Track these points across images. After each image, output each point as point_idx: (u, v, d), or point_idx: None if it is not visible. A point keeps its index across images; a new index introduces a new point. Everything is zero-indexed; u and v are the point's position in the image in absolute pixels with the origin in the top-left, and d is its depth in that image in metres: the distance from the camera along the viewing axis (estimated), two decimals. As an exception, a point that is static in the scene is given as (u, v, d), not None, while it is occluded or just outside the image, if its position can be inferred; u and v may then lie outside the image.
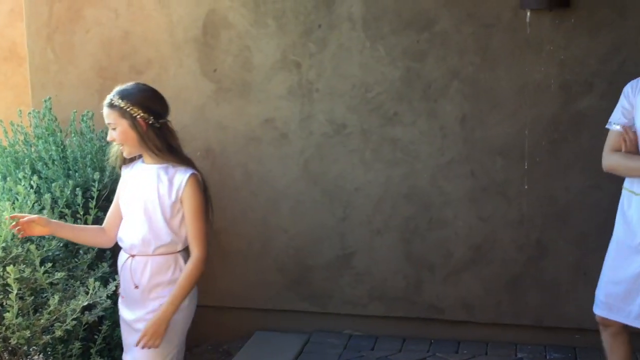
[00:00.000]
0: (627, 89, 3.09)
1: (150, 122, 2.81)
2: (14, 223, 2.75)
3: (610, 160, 3.06)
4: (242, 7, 4.28)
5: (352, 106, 4.22)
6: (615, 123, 3.06)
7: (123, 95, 2.83)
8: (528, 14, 3.93)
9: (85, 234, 3.06)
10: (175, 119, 4.43)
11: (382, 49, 4.15)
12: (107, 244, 3.02)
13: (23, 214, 2.86)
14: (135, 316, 2.87)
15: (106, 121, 2.85)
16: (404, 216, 4.24)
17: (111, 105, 2.83)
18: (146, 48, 4.44)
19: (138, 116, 2.79)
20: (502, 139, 4.06)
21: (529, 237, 4.09)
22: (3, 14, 6.40)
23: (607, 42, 3.85)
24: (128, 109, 2.79)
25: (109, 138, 2.88)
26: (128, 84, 2.93)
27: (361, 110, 4.21)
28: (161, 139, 2.84)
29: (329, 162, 4.29)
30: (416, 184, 4.21)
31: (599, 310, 3.12)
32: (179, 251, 2.90)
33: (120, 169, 3.00)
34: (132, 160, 2.95)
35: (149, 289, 2.85)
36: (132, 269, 2.85)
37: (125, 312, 2.93)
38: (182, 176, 2.84)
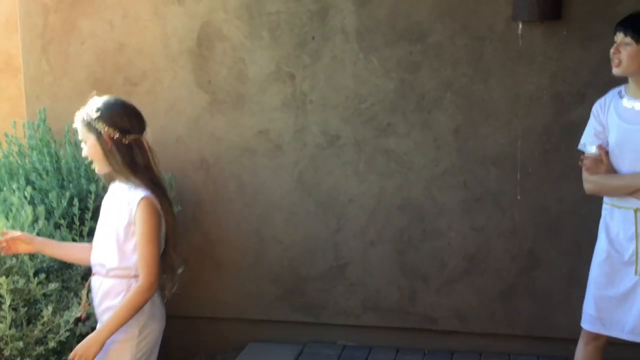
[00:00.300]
0: (596, 108, 3.08)
1: (115, 137, 2.63)
2: None
3: (592, 184, 3.04)
4: (236, 19, 4.29)
5: (346, 117, 4.22)
6: (589, 145, 3.04)
7: (92, 109, 2.68)
8: (520, 26, 3.94)
9: (73, 252, 2.94)
10: (170, 130, 4.47)
11: (376, 61, 4.16)
12: None
13: (6, 231, 2.78)
14: None
15: (79, 136, 2.74)
16: (397, 227, 4.24)
17: (81, 120, 2.69)
18: (141, 60, 4.43)
19: (103, 131, 2.62)
20: (495, 149, 4.07)
21: (521, 247, 4.09)
22: (-2, 26, 6.40)
23: (598, 53, 3.87)
24: (94, 124, 2.64)
25: (82, 154, 2.75)
26: (102, 98, 2.77)
27: (355, 122, 4.22)
28: (125, 155, 2.64)
29: (323, 173, 4.29)
30: (410, 195, 4.21)
31: (589, 325, 3.09)
32: (133, 276, 2.66)
33: (108, 184, 2.83)
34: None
35: (101, 312, 2.72)
36: (92, 288, 2.75)
37: None
38: (135, 198, 2.63)
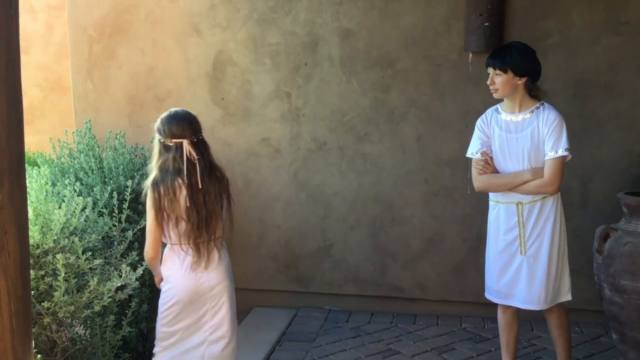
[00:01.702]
0: (480, 123, 3.04)
1: (162, 141, 2.66)
2: None
3: (481, 182, 3.00)
4: (244, 48, 4.32)
5: (332, 127, 4.26)
6: (476, 152, 3.01)
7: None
8: (470, 55, 3.99)
9: None
10: (190, 137, 4.47)
11: (356, 83, 4.19)
12: None
13: None
14: None
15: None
16: (372, 215, 4.28)
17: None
18: (167, 80, 4.46)
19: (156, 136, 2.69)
20: (449, 153, 4.11)
21: (470, 231, 4.14)
22: (51, 54, 6.42)
23: (531, 78, 3.92)
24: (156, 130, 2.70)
25: None
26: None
27: (338, 131, 4.25)
28: (158, 155, 2.68)
29: (313, 172, 4.33)
30: (382, 190, 4.25)
31: (493, 298, 3.05)
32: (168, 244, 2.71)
33: None
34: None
35: None
36: None
37: None
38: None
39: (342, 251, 4.34)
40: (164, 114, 2.73)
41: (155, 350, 2.74)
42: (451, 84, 4.06)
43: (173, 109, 2.77)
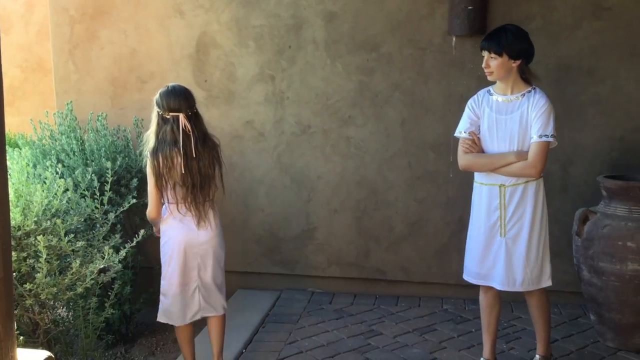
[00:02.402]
0: (471, 103, 3.04)
1: (160, 113, 2.94)
2: None
3: (466, 160, 2.99)
4: (227, 30, 4.28)
5: (316, 111, 4.25)
6: (465, 131, 3.01)
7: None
8: (454, 39, 3.99)
9: None
10: (174, 119, 4.44)
11: (340, 66, 4.18)
12: None
13: None
14: None
15: None
16: (355, 199, 4.29)
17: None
18: (150, 63, 4.41)
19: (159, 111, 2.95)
20: (433, 137, 4.12)
21: (453, 215, 4.17)
22: (32, 34, 6.32)
23: (514, 62, 3.94)
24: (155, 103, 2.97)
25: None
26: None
27: (323, 114, 4.25)
28: (156, 127, 2.95)
29: (297, 155, 4.32)
30: (366, 173, 4.26)
31: (473, 279, 3.07)
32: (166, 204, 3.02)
33: None
34: None
35: None
36: None
37: None
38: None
39: (325, 234, 4.35)
40: (163, 89, 2.99)
41: (160, 303, 3.07)
42: (435, 68, 4.07)
43: (170, 84, 3.03)
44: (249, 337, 3.65)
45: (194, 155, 2.89)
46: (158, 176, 2.90)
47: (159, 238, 3.50)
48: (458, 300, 4.18)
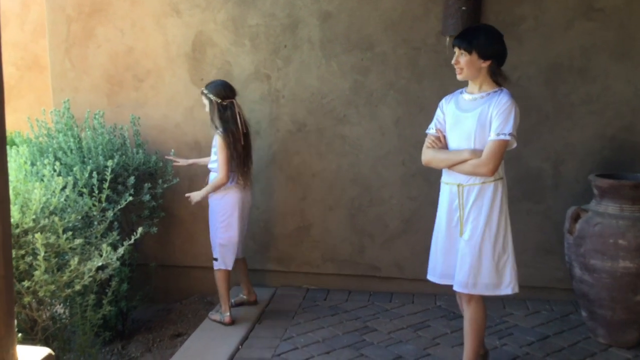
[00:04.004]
0: (442, 102, 3.03)
1: (218, 101, 3.64)
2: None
3: (427, 155, 2.97)
4: (224, 29, 4.27)
5: (311, 109, 4.25)
6: (432, 129, 3.00)
7: (207, 86, 3.72)
8: (447, 39, 3.98)
9: (205, 160, 3.98)
10: (170, 117, 4.46)
11: (335, 65, 4.18)
12: None
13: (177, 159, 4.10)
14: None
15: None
16: (350, 196, 4.30)
17: (202, 93, 3.73)
18: (146, 61, 4.40)
19: (212, 97, 3.67)
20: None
21: (446, 213, 4.17)
22: (27, 32, 6.27)
23: (507, 62, 3.89)
24: (205, 93, 3.70)
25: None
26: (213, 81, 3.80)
27: (318, 113, 4.25)
28: (220, 111, 3.67)
29: (292, 153, 4.32)
30: (360, 171, 4.26)
31: (436, 279, 3.01)
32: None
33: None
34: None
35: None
36: (210, 179, 3.81)
37: None
38: (216, 134, 3.67)
39: (320, 231, 4.35)
40: (216, 83, 3.73)
41: (215, 255, 3.76)
42: (429, 68, 4.07)
43: (218, 80, 3.81)
44: (245, 334, 3.65)
45: (243, 132, 3.68)
46: (230, 149, 3.61)
47: (155, 236, 3.96)
48: (451, 297, 4.10)
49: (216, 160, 3.68)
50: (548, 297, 4.11)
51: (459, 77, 2.89)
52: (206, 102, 3.69)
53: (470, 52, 2.81)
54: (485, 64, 2.82)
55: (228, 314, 3.76)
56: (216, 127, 3.64)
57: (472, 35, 2.83)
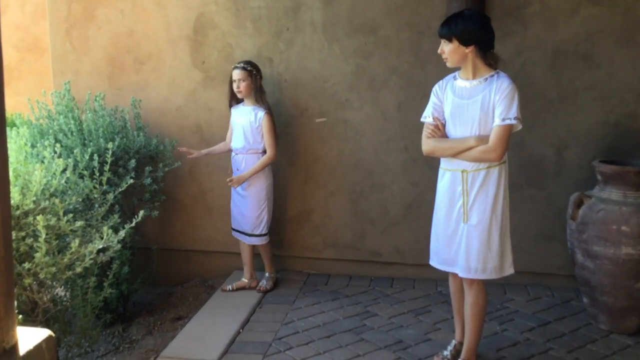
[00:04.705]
0: (436, 88, 2.99)
1: (261, 82, 3.92)
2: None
3: (429, 145, 2.93)
4: (225, 11, 4.22)
5: (313, 94, 4.22)
6: (429, 116, 2.96)
7: (249, 63, 3.86)
8: (452, 23, 3.95)
9: (220, 148, 4.14)
10: (171, 101, 4.42)
11: (337, 49, 4.14)
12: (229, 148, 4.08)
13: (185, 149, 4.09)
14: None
15: (236, 77, 3.85)
16: (352, 181, 4.28)
17: (242, 68, 3.83)
18: (147, 43, 4.36)
19: (253, 73, 3.85)
20: (430, 121, 4.09)
21: (448, 198, 4.15)
22: (28, 14, 6.22)
23: (511, 47, 3.92)
24: (250, 70, 3.85)
25: (236, 88, 3.88)
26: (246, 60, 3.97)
27: (320, 97, 4.21)
28: (262, 90, 3.94)
29: (294, 138, 4.29)
30: (362, 156, 4.24)
31: (438, 264, 3.00)
32: (261, 152, 3.92)
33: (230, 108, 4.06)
34: (238, 103, 4.00)
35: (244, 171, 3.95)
36: (236, 161, 3.97)
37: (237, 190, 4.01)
38: (261, 113, 3.86)
39: (322, 217, 4.34)
40: (251, 61, 3.89)
41: (263, 231, 4.00)
42: (432, 52, 3.99)
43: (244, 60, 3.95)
44: (246, 317, 3.64)
45: None
46: (275, 127, 3.90)
47: (155, 219, 4.00)
48: (452, 282, 4.18)
49: (258, 141, 3.88)
50: (549, 283, 4.11)
51: (447, 64, 2.89)
52: (243, 79, 3.81)
53: (450, 40, 2.79)
54: (468, 50, 2.79)
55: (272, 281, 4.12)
56: (262, 104, 3.86)
57: (451, 23, 2.79)
